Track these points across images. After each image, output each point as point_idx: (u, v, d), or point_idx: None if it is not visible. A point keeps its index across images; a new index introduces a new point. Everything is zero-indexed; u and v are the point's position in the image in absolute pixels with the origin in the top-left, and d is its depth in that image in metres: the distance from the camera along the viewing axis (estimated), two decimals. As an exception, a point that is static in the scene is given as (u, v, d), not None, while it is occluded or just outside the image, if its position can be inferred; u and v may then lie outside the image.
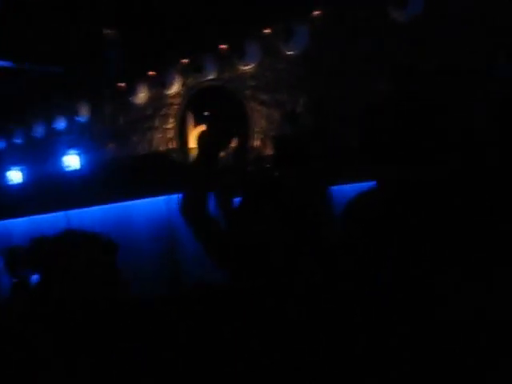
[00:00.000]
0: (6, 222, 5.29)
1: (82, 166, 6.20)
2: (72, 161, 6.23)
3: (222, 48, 5.61)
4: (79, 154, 6.34)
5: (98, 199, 4.43)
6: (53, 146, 6.79)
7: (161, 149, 6.10)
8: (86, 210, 4.63)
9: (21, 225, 5.24)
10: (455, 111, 1.03)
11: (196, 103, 5.90)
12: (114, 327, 2.08)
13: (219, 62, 5.69)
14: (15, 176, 6.53)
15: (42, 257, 2.65)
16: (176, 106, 6.08)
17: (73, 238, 2.22)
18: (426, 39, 4.19)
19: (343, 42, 4.84)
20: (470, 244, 1.01)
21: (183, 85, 6.02)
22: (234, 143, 2.20)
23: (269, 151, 5.22)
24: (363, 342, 1.07)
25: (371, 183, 1.24)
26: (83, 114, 6.67)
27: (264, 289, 1.36)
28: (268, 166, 4.72)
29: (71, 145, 6.50)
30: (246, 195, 1.55)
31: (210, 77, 5.79)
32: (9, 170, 6.62)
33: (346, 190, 3.26)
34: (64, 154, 6.33)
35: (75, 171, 5.93)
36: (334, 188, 2.90)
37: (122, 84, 6.32)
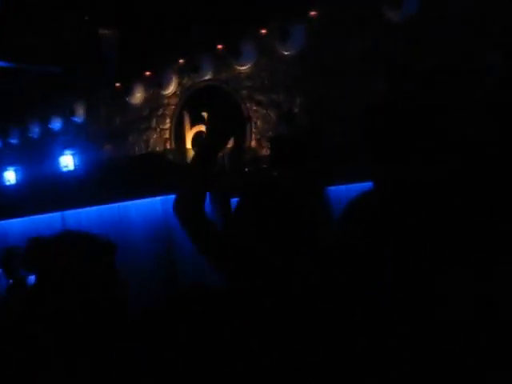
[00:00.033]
0: (2, 222, 5.27)
1: (78, 166, 6.19)
2: (68, 161, 6.22)
3: (219, 48, 5.61)
4: (75, 155, 6.33)
5: (94, 200, 4.42)
6: (49, 146, 6.78)
7: (157, 149, 6.10)
8: (82, 210, 4.61)
9: (17, 225, 5.22)
10: (453, 111, 1.03)
11: (192, 103, 5.90)
12: (114, 327, 2.08)
13: (216, 62, 5.69)
14: (11, 176, 6.52)
15: (38, 257, 2.64)
16: (172, 107, 6.07)
17: (70, 238, 2.22)
18: (422, 39, 4.20)
19: (339, 42, 4.85)
20: (470, 244, 1.01)
21: (180, 85, 6.02)
22: (230, 144, 2.19)
23: (265, 151, 5.23)
24: (363, 342, 1.08)
25: (368, 183, 1.24)
26: (79, 115, 6.66)
27: (261, 289, 1.36)
28: (265, 166, 4.72)
29: (67, 145, 6.49)
30: (244, 196, 1.55)
31: (207, 77, 5.80)
32: (5, 170, 6.61)
33: (343, 190, 3.27)
34: (60, 154, 6.32)
35: (71, 171, 5.92)
36: (331, 188, 2.91)
37: (119, 84, 6.32)
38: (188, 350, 1.38)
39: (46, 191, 4.85)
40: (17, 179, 6.51)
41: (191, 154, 5.82)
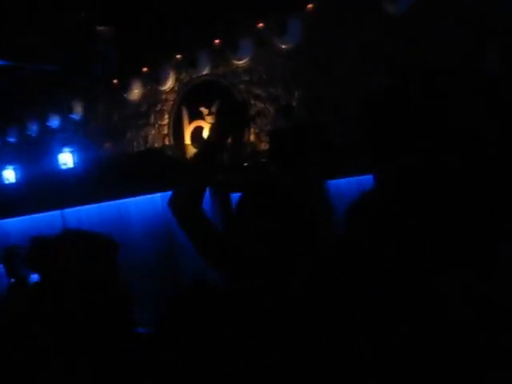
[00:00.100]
0: (2, 221, 5.27)
1: (76, 163, 6.19)
2: (67, 159, 6.21)
3: (216, 43, 5.59)
4: (74, 152, 6.32)
5: (94, 197, 4.41)
6: (48, 144, 6.77)
7: (156, 145, 6.09)
8: (82, 208, 4.61)
9: (17, 224, 5.22)
10: (453, 111, 1.02)
11: (191, 99, 5.88)
12: (114, 327, 2.08)
13: (213, 56, 5.67)
14: (10, 175, 6.52)
15: (41, 257, 2.65)
16: (171, 102, 6.06)
17: (72, 237, 2.22)
18: (420, 33, 4.18)
19: (337, 35, 4.83)
20: (470, 244, 1.01)
21: (177, 80, 6.00)
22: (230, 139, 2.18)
23: (264, 146, 5.22)
24: (363, 342, 1.08)
25: (369, 177, 1.24)
26: (77, 112, 6.64)
27: (261, 289, 1.35)
28: (264, 160, 4.71)
29: (66, 143, 6.48)
30: (244, 194, 1.54)
31: (204, 72, 5.78)
32: (4, 168, 6.60)
33: (343, 183, 3.26)
34: (59, 152, 6.31)
35: (70, 169, 5.91)
36: (331, 182, 2.89)
37: (116, 81, 6.30)
38: (188, 349, 1.38)
39: (45, 189, 4.84)
40: (16, 178, 6.51)
41: (190, 149, 5.81)
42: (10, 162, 6.75)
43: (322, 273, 1.25)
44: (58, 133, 6.85)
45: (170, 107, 6.06)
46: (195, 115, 5.83)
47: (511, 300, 0.96)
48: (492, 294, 0.96)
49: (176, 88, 6.01)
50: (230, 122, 1.74)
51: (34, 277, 3.99)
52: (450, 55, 3.63)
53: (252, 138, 5.46)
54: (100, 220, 4.45)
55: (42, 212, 4.81)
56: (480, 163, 1.00)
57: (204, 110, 5.76)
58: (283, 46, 5.22)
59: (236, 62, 5.55)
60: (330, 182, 2.78)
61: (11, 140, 7.22)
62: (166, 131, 6.09)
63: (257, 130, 5.43)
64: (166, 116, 6.08)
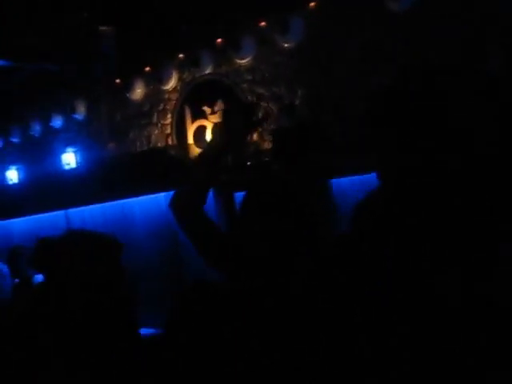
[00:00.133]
0: (6, 222, 5.28)
1: (80, 163, 6.20)
2: (70, 159, 6.23)
3: (218, 42, 5.59)
4: (77, 152, 6.33)
5: (97, 197, 4.42)
6: (51, 144, 6.78)
7: (159, 144, 6.10)
8: (85, 208, 4.62)
9: (21, 224, 5.24)
10: (453, 110, 1.02)
11: (193, 98, 5.88)
12: (117, 327, 2.09)
13: (215, 56, 5.67)
14: (13, 175, 6.54)
15: (46, 257, 2.66)
16: (173, 101, 6.06)
17: (76, 237, 2.23)
18: (421, 33, 4.17)
19: (339, 33, 4.82)
20: (470, 244, 1.01)
21: (180, 80, 6.00)
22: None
23: (267, 145, 5.22)
24: (363, 342, 1.08)
25: (372, 176, 1.24)
26: (80, 112, 6.65)
27: (261, 289, 1.36)
28: (267, 159, 4.71)
29: (69, 143, 6.50)
30: (246, 195, 1.55)
31: (207, 71, 5.78)
32: (7, 169, 6.62)
33: (346, 182, 3.26)
34: (62, 152, 6.33)
35: (74, 169, 5.93)
36: (334, 181, 2.89)
37: (119, 80, 6.31)
38: (188, 349, 1.39)
39: (48, 189, 4.86)
40: (19, 178, 6.53)
41: (193, 148, 5.82)
42: (13, 163, 6.78)
43: (322, 273, 1.26)
44: (60, 133, 6.86)
45: (173, 106, 6.06)
46: (198, 114, 5.83)
47: (511, 300, 0.96)
48: (492, 293, 0.96)
49: (179, 87, 6.02)
50: (239, 124, 1.72)
51: (39, 277, 4.01)
52: (450, 55, 3.62)
53: (255, 137, 5.46)
54: (104, 220, 4.46)
55: (46, 212, 4.83)
56: (480, 163, 1.00)
57: (207, 109, 5.76)
58: (286, 45, 5.21)
59: (238, 61, 5.55)
60: (332, 180, 2.78)
61: (14, 140, 7.24)
62: (168, 131, 6.10)
63: (259, 129, 5.43)
64: (169, 115, 6.09)
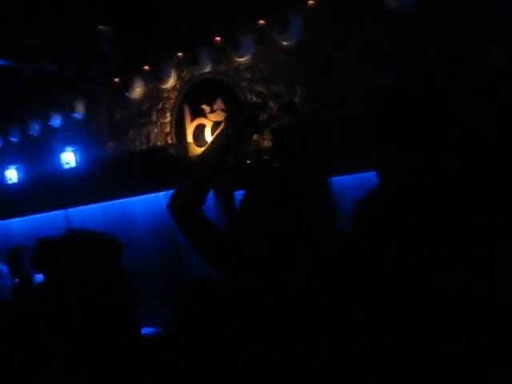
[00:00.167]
0: (6, 221, 5.28)
1: (80, 163, 6.19)
2: (70, 158, 6.22)
3: (217, 40, 5.58)
4: (77, 151, 6.33)
5: (97, 196, 4.42)
6: (50, 143, 6.77)
7: (158, 143, 6.09)
8: (85, 207, 4.63)
9: (20, 224, 5.24)
10: (453, 110, 1.02)
11: (192, 96, 5.87)
12: (118, 326, 2.09)
13: (214, 54, 5.66)
14: (13, 175, 6.53)
15: (45, 257, 2.66)
16: (172, 100, 6.05)
17: (76, 237, 2.23)
18: (423, 30, 4.16)
19: (339, 31, 4.81)
20: (470, 244, 1.01)
21: (179, 78, 5.99)
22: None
23: (267, 143, 5.21)
24: (363, 342, 1.08)
25: (372, 174, 1.24)
26: (79, 111, 6.64)
27: (261, 289, 1.36)
28: (267, 157, 4.71)
29: (68, 142, 6.49)
30: (247, 193, 1.54)
31: (206, 70, 5.77)
32: (6, 168, 6.62)
33: (346, 180, 3.26)
34: (61, 151, 6.32)
35: (73, 169, 5.92)
36: (334, 179, 2.89)
37: (118, 79, 6.30)
38: (188, 349, 1.39)
39: (48, 189, 4.86)
40: (19, 178, 6.52)
41: (192, 147, 5.81)
42: (12, 162, 6.77)
43: (322, 272, 1.25)
44: (60, 132, 6.85)
45: (172, 105, 6.05)
46: (197, 113, 5.82)
47: (511, 300, 0.96)
48: (492, 293, 0.96)
49: (178, 86, 6.01)
50: (244, 125, 1.70)
51: (39, 277, 4.01)
52: (450, 55, 3.61)
53: (255, 135, 5.45)
54: (104, 219, 4.47)
55: (45, 212, 4.83)
56: (480, 163, 1.00)
57: (206, 108, 5.75)
58: (285, 43, 5.20)
59: (238, 60, 5.54)
60: (333, 179, 2.77)
61: (13, 140, 7.23)
62: (168, 129, 6.09)
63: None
64: (168, 114, 6.08)
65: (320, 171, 2.45)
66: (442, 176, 1.04)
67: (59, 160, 6.25)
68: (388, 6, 4.45)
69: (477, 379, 0.96)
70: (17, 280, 4.24)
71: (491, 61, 3.31)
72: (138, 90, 6.22)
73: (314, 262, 1.31)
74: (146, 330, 2.80)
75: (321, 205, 1.87)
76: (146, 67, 6.11)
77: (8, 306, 3.51)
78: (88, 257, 2.17)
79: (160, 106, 6.15)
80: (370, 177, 1.40)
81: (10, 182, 6.43)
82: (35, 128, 6.98)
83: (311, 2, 5.01)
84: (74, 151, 6.31)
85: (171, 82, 6.00)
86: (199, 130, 5.79)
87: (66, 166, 6.11)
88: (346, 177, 3.28)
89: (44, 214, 4.91)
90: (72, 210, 4.76)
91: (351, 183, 3.23)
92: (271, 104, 5.36)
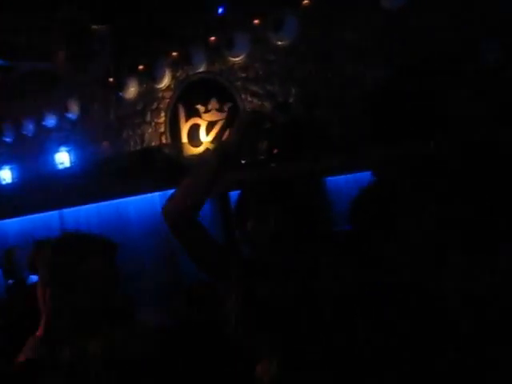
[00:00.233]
0: (0, 222, 5.26)
1: (73, 163, 6.17)
2: (64, 158, 6.20)
3: (212, 40, 5.57)
4: (71, 151, 6.31)
5: (91, 197, 4.41)
6: (44, 143, 6.74)
7: (153, 143, 6.07)
8: (80, 208, 4.61)
9: (15, 225, 5.21)
10: (452, 109, 1.02)
11: (187, 96, 5.86)
12: (113, 327, 2.08)
13: (209, 54, 5.65)
14: (7, 175, 6.50)
15: (42, 259, 2.64)
16: (167, 100, 6.04)
17: (70, 239, 2.22)
18: (421, 30, 4.16)
19: (333, 30, 4.82)
20: (470, 243, 1.01)
21: (173, 78, 5.98)
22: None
23: (262, 143, 5.20)
24: (363, 342, 1.08)
25: (366, 174, 1.24)
26: (73, 111, 6.62)
27: (262, 288, 1.36)
28: (262, 157, 4.70)
29: (63, 142, 6.46)
30: (242, 191, 1.54)
31: (200, 69, 5.76)
32: (0, 169, 6.58)
33: (341, 180, 3.26)
34: (56, 151, 6.30)
35: (67, 169, 5.90)
36: (329, 179, 2.89)
37: (112, 79, 6.28)
38: (188, 349, 1.39)
39: (42, 189, 4.84)
40: (13, 178, 6.49)
41: (187, 147, 5.80)
42: (6, 162, 6.73)
43: (322, 271, 1.25)
44: (54, 132, 6.82)
45: (167, 105, 6.04)
46: (192, 113, 5.81)
47: (511, 300, 0.96)
48: (492, 293, 0.96)
49: (172, 86, 5.99)
50: (251, 136, 1.69)
51: (33, 277, 3.99)
52: (450, 55, 3.62)
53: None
54: (99, 220, 4.45)
55: (40, 212, 4.81)
56: (480, 163, 1.00)
57: (200, 108, 5.74)
58: (279, 43, 5.20)
59: (232, 59, 5.54)
60: (328, 179, 2.77)
61: (7, 140, 7.19)
62: (162, 129, 6.08)
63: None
64: (163, 114, 6.07)
65: (315, 171, 2.45)
66: (442, 175, 1.04)
67: (53, 160, 6.23)
68: (383, 6, 4.45)
69: (477, 379, 0.97)
70: (10, 281, 4.23)
71: (488, 61, 3.31)
72: (132, 90, 6.20)
73: (314, 262, 1.31)
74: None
75: (318, 202, 1.87)
76: (141, 67, 6.09)
77: (2, 307, 3.50)
78: (82, 258, 2.16)
79: (154, 105, 6.14)
80: (364, 176, 1.40)
81: (3, 183, 6.40)
82: (29, 128, 6.95)
83: (306, 1, 5.01)
84: (68, 151, 6.29)
85: (165, 81, 5.99)
86: (194, 129, 5.79)
87: (60, 166, 6.09)
88: (341, 176, 3.28)
89: (38, 215, 4.89)
90: (67, 211, 4.74)
91: (346, 182, 3.23)
92: (266, 104, 5.37)
